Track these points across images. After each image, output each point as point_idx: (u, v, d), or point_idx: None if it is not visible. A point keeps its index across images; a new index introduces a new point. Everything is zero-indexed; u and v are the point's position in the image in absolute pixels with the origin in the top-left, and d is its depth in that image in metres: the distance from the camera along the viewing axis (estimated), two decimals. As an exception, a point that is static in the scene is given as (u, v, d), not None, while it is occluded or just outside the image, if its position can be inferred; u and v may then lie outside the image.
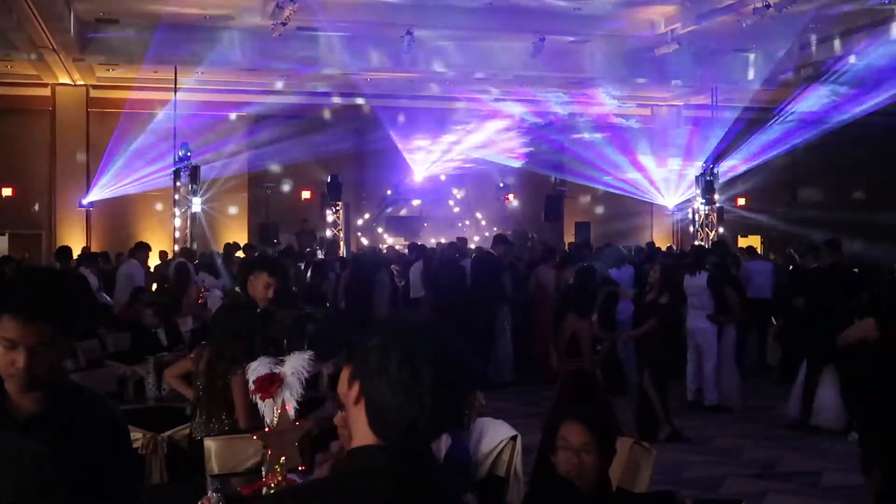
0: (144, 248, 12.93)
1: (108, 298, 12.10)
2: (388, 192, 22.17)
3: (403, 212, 22.55)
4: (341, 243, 19.49)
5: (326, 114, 21.44)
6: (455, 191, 22.50)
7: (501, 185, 22.13)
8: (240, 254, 13.95)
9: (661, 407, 8.36)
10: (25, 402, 2.25)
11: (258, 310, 5.01)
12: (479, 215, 22.15)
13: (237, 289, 5.34)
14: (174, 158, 17.98)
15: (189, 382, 5.21)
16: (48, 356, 2.19)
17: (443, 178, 22.36)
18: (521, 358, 11.68)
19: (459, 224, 21.52)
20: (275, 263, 5.48)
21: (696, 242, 18.36)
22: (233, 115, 20.30)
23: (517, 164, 22.11)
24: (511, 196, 22.35)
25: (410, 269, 13.43)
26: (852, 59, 16.67)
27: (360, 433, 1.56)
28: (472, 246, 15.09)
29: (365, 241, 20.20)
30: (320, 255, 16.11)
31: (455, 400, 1.57)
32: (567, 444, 3.19)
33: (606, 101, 21.21)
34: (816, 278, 9.65)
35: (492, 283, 11.46)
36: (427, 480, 1.55)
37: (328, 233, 19.00)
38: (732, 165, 20.79)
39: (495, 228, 21.07)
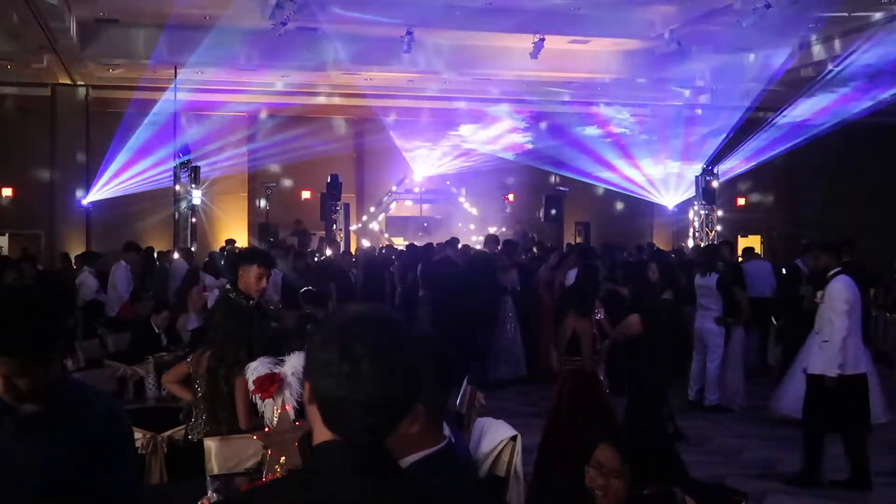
0: (134, 249, 12.94)
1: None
2: (388, 192, 22.17)
3: (403, 212, 22.54)
4: (362, 241, 19.53)
5: (326, 113, 21.43)
6: (455, 190, 22.49)
7: (501, 185, 22.13)
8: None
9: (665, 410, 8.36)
10: (22, 406, 2.25)
11: (251, 302, 5.00)
12: (479, 215, 22.14)
13: (228, 286, 5.32)
14: (174, 158, 17.97)
15: (188, 386, 5.20)
16: (25, 382, 2.18)
17: (443, 178, 22.36)
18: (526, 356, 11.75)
19: (459, 224, 21.51)
20: (264, 254, 5.48)
21: (707, 243, 18.30)
22: (233, 115, 20.29)
23: (517, 163, 22.10)
24: (511, 196, 22.35)
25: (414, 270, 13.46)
26: (854, 58, 16.66)
27: (319, 430, 1.57)
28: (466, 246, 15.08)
29: (366, 242, 20.17)
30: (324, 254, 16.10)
31: (404, 390, 1.55)
32: (598, 465, 3.23)
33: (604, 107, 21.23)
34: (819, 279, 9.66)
35: (487, 280, 11.49)
36: (394, 476, 1.56)
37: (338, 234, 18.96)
38: (732, 166, 20.79)
39: (492, 228, 21.12)
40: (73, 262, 13.25)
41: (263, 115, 20.30)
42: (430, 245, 15.07)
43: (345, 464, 1.52)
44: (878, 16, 15.26)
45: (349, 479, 1.51)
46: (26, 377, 2.17)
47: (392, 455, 1.60)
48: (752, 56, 18.04)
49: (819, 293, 7.50)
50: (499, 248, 13.41)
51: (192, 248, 16.78)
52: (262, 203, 20.18)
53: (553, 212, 21.09)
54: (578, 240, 20.70)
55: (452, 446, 2.10)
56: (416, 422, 1.96)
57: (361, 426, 1.53)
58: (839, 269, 7.40)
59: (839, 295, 7.20)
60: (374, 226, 21.83)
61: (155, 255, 15.98)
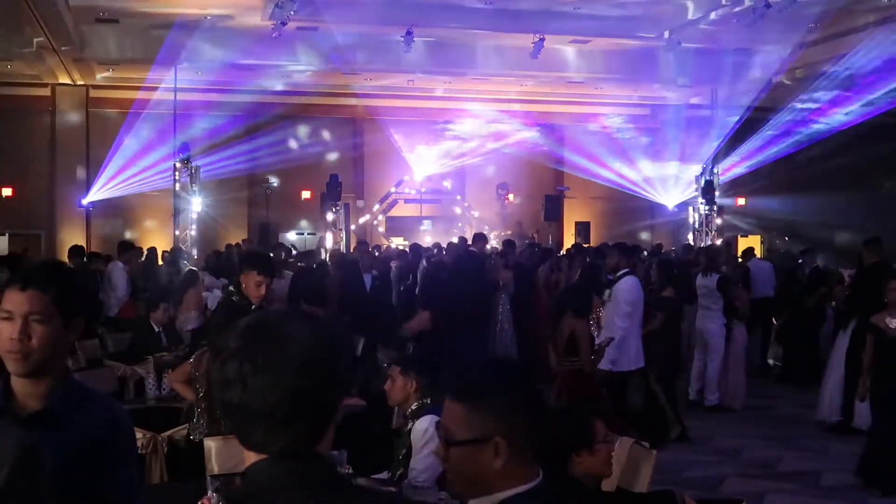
0: (129, 249, 12.94)
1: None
2: (388, 192, 22.17)
3: (403, 212, 22.55)
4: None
5: (326, 113, 21.43)
6: (455, 190, 22.50)
7: (501, 184, 22.14)
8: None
9: (671, 406, 8.36)
10: (28, 400, 2.26)
11: (252, 307, 5.01)
12: (478, 215, 22.15)
13: (231, 287, 5.35)
14: (174, 159, 17.98)
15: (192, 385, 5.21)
16: (43, 332, 2.21)
17: (443, 178, 22.36)
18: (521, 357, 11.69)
19: (459, 224, 21.53)
20: (264, 261, 5.47)
21: (709, 243, 18.29)
22: (232, 115, 20.27)
23: (517, 163, 22.11)
24: (511, 196, 22.36)
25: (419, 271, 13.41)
26: (855, 58, 16.66)
27: (244, 453, 1.53)
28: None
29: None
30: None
31: (280, 389, 1.44)
32: (604, 439, 3.35)
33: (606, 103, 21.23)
34: (860, 278, 9.63)
35: (476, 279, 11.44)
36: (323, 487, 1.48)
37: (329, 234, 18.95)
38: (733, 165, 20.78)
39: (487, 226, 21.12)
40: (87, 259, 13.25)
41: (263, 115, 20.29)
42: (415, 245, 15.03)
43: (270, 481, 1.46)
44: (881, 14, 15.26)
45: (277, 497, 1.44)
46: (46, 328, 2.21)
47: (329, 469, 1.52)
48: (752, 55, 18.04)
49: (607, 292, 7.85)
50: (489, 246, 13.35)
51: (193, 249, 16.80)
52: (262, 203, 20.18)
53: (553, 212, 21.11)
54: (577, 240, 20.69)
55: (545, 484, 1.94)
56: (499, 457, 1.85)
57: (259, 435, 1.46)
58: (627, 269, 7.77)
59: (623, 296, 7.58)
60: (374, 226, 21.86)
61: (159, 255, 15.97)
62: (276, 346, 1.46)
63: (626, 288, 7.62)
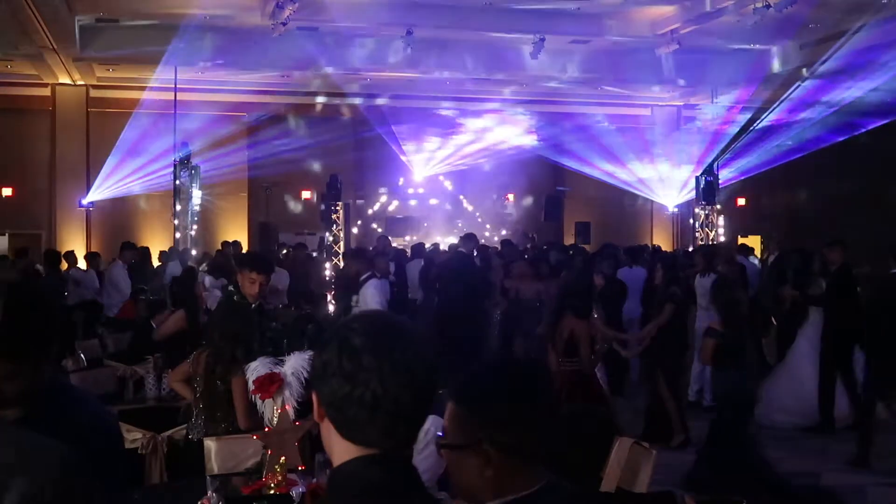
0: (130, 249, 12.98)
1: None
2: (388, 192, 22.17)
3: (403, 212, 22.55)
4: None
5: (326, 113, 21.42)
6: (454, 190, 22.50)
7: (501, 184, 22.14)
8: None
9: (678, 414, 8.33)
10: (4, 412, 2.22)
11: (252, 306, 5.04)
12: (478, 215, 22.14)
13: (231, 287, 5.37)
14: (174, 158, 17.98)
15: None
16: (14, 385, 2.12)
17: (442, 178, 22.36)
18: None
19: (459, 224, 21.52)
20: (259, 260, 5.50)
21: (706, 243, 18.29)
22: (233, 115, 20.28)
23: (517, 163, 22.11)
24: (511, 196, 22.35)
25: (408, 269, 13.40)
26: (853, 57, 16.65)
27: (337, 448, 1.51)
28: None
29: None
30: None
31: (410, 387, 1.48)
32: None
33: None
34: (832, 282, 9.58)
35: (463, 281, 11.43)
36: (414, 487, 1.52)
37: (327, 234, 18.94)
38: (733, 166, 20.78)
39: (489, 225, 21.12)
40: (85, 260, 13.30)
41: (263, 114, 20.29)
42: (417, 245, 14.98)
43: (366, 482, 1.46)
44: (881, 14, 15.25)
45: (372, 499, 1.45)
46: (17, 381, 2.10)
47: (416, 472, 1.54)
48: (753, 55, 18.03)
49: (354, 297, 8.46)
50: (476, 247, 13.32)
51: (193, 249, 16.78)
52: (262, 203, 20.20)
53: (553, 212, 21.10)
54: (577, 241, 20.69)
55: (551, 489, 1.77)
56: (490, 466, 1.73)
57: (376, 430, 1.47)
58: (370, 273, 8.35)
59: (372, 299, 8.17)
60: (374, 226, 21.86)
61: (154, 254, 16.00)
62: (410, 346, 1.51)
63: (372, 291, 8.21)
